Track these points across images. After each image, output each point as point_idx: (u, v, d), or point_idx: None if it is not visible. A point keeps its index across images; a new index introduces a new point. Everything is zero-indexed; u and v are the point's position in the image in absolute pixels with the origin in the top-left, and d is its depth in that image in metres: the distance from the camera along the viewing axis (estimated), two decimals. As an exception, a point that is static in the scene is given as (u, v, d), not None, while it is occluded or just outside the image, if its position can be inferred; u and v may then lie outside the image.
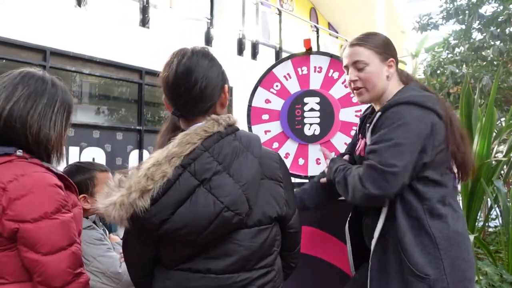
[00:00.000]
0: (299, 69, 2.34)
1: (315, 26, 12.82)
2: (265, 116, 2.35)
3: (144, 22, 7.48)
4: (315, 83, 2.30)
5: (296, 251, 1.42)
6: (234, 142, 1.18)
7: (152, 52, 7.48)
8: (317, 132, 2.28)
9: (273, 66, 2.39)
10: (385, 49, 1.62)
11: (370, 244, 1.56)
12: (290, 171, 2.06)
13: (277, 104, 2.35)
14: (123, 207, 1.08)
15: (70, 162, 7.11)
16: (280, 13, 10.32)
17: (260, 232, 1.20)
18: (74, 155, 6.58)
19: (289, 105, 2.32)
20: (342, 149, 2.25)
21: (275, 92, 2.35)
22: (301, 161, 2.30)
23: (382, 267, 1.50)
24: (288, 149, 2.32)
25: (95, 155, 6.85)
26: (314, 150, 2.29)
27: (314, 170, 2.29)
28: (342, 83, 2.26)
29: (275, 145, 2.33)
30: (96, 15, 6.78)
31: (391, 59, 1.62)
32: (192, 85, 1.20)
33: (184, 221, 1.10)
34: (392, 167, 1.40)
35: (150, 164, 1.11)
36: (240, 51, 9.05)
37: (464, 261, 1.47)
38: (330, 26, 15.70)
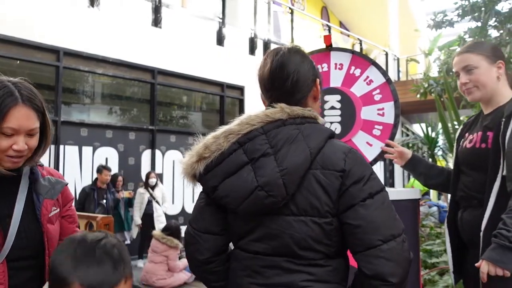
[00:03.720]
0: (319, 66, 2.27)
1: (327, 25, 12.76)
2: (284, 115, 2.30)
3: (156, 22, 7.47)
4: (336, 80, 2.24)
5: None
6: (294, 130, 1.23)
7: (165, 52, 7.48)
8: (338, 131, 2.22)
9: (292, 63, 2.34)
10: (493, 52, 1.82)
11: (469, 238, 1.76)
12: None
13: (297, 102, 2.29)
14: (188, 167, 1.28)
15: (84, 162, 7.03)
16: (291, 12, 10.27)
17: (303, 222, 1.21)
18: (87, 154, 6.59)
19: (308, 103, 2.27)
20: (363, 148, 2.19)
21: (294, 90, 2.30)
22: (321, 161, 2.25)
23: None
24: (308, 148, 2.27)
25: (108, 154, 6.86)
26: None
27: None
28: (364, 80, 2.21)
29: (295, 144, 2.28)
30: (108, 15, 6.79)
31: (500, 61, 1.81)
32: (284, 79, 1.30)
33: (227, 190, 1.24)
34: None
35: (211, 136, 1.28)
36: (252, 50, 9.00)
37: None
38: (341, 24, 15.60)
